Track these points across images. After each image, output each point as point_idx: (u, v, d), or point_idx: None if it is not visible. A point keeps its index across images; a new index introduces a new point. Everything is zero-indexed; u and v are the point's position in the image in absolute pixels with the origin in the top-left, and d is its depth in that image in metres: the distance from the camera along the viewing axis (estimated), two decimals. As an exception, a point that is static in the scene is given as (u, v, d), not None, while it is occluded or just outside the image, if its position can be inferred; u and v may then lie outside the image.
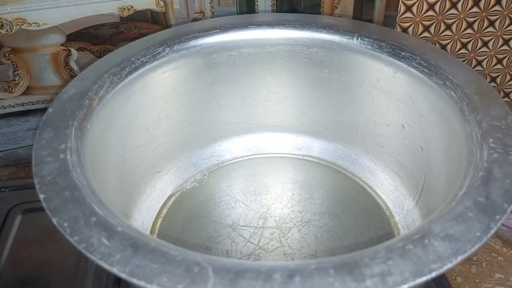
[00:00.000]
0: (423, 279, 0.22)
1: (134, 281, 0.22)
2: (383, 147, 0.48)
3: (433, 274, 0.22)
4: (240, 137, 0.53)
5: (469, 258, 0.46)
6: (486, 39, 0.53)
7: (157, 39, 0.44)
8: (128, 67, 0.40)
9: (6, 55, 0.50)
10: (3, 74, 0.52)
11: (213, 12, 0.53)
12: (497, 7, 0.51)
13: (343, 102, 0.49)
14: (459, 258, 0.23)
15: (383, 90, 0.44)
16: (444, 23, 0.51)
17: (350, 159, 0.51)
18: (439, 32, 0.52)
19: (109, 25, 0.51)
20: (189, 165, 0.51)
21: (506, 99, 0.59)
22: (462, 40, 0.53)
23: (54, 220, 0.25)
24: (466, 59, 0.55)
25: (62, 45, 0.51)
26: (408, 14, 0.50)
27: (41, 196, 0.27)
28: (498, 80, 0.57)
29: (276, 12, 0.54)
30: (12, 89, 0.53)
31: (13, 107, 0.54)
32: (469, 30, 0.52)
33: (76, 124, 0.33)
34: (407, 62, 0.41)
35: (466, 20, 0.51)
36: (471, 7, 0.50)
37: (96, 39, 0.52)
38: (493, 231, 0.24)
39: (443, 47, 0.53)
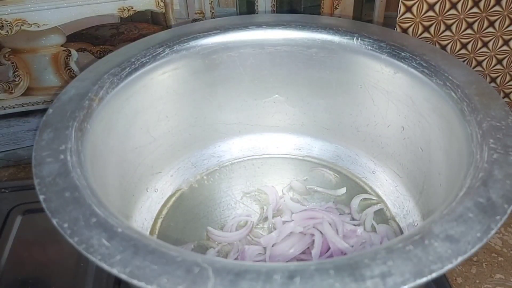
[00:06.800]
0: (424, 279, 0.22)
1: (135, 282, 0.22)
2: (383, 147, 0.48)
3: (434, 275, 0.22)
4: (240, 137, 0.53)
5: (470, 259, 0.46)
6: (486, 39, 0.53)
7: (157, 39, 0.44)
8: (128, 68, 0.40)
9: (6, 56, 0.50)
10: (3, 75, 0.52)
11: (213, 12, 0.53)
12: (497, 8, 0.51)
13: (343, 102, 0.49)
14: (460, 259, 0.23)
15: (383, 90, 0.44)
16: (444, 23, 0.51)
17: (350, 160, 0.51)
18: (439, 33, 0.52)
19: (109, 26, 0.51)
20: (189, 166, 0.51)
21: (506, 99, 0.59)
22: (462, 40, 0.53)
23: (54, 221, 0.25)
24: (466, 60, 0.55)
25: (62, 46, 0.51)
26: (408, 15, 0.50)
27: (41, 197, 0.27)
28: (498, 80, 0.57)
29: (276, 12, 0.54)
30: (12, 90, 0.53)
31: (13, 107, 0.54)
32: (469, 31, 0.52)
33: (76, 125, 0.33)
34: (407, 62, 0.41)
35: (466, 20, 0.51)
36: (471, 8, 0.50)
37: (96, 40, 0.52)
38: (493, 232, 0.24)
39: (443, 47, 0.53)
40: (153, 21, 0.52)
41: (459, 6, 0.50)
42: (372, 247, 0.41)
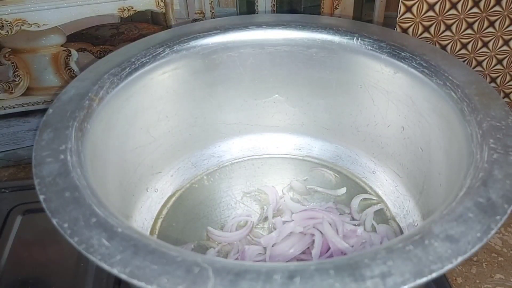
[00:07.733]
0: (424, 279, 0.22)
1: (135, 282, 0.22)
2: (383, 147, 0.48)
3: (434, 275, 0.22)
4: (240, 137, 0.53)
5: (470, 259, 0.46)
6: (486, 39, 0.53)
7: (157, 39, 0.44)
8: (128, 68, 0.40)
9: (6, 56, 0.50)
10: (3, 75, 0.52)
11: (213, 12, 0.53)
12: (497, 8, 0.51)
13: (343, 102, 0.49)
14: (460, 259, 0.23)
15: (383, 90, 0.44)
16: (444, 23, 0.51)
17: (351, 160, 0.51)
18: (439, 33, 0.52)
19: (109, 26, 0.51)
20: (189, 166, 0.51)
21: (506, 99, 0.59)
22: (462, 40, 0.53)
23: (54, 221, 0.25)
24: (466, 60, 0.55)
25: (62, 46, 0.51)
26: (408, 15, 0.50)
27: (41, 197, 0.27)
28: (498, 80, 0.57)
29: (276, 12, 0.54)
30: (12, 89, 0.53)
31: (13, 107, 0.54)
32: (469, 31, 0.52)
33: (76, 125, 0.33)
34: (407, 62, 0.41)
35: (466, 20, 0.51)
36: (471, 8, 0.50)
37: (96, 40, 0.52)
38: (493, 232, 0.24)
39: (443, 47, 0.53)
40: (153, 21, 0.52)
41: (459, 6, 0.50)
42: (372, 247, 0.41)
